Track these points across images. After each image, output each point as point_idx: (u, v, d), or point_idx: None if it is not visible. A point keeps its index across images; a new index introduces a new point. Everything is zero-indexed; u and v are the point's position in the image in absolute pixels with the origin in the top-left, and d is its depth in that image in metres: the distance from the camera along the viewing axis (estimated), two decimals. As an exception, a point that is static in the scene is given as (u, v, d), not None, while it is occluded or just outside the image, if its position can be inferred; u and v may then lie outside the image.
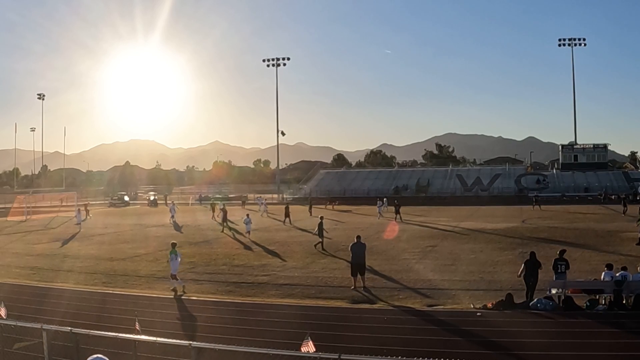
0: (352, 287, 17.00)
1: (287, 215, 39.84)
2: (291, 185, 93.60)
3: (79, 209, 42.83)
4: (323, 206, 56.30)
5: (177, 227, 38.75)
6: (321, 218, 26.99)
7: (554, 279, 14.88)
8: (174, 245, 18.05)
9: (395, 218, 40.34)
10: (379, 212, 43.79)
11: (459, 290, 16.44)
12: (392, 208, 43.97)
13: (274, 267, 21.45)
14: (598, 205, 55.12)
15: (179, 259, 17.68)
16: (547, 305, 13.81)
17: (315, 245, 25.59)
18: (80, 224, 39.31)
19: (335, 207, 57.97)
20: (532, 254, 15.35)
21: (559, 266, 15.08)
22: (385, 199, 48.20)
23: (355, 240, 18.08)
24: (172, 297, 16.53)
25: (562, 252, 15.61)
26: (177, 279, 17.36)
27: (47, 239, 32.75)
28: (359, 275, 17.22)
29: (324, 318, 13.98)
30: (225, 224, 35.35)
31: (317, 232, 25.93)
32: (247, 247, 27.23)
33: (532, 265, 14.93)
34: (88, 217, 48.29)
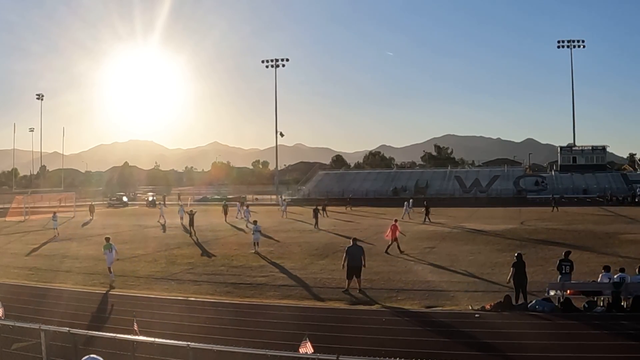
0: (344, 290, 16.81)
1: (316, 218, 38.27)
2: (290, 187, 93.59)
3: (54, 212, 37.52)
4: (343, 208, 56.16)
5: (186, 229, 37.07)
6: (395, 221, 25.54)
7: (558, 279, 14.90)
8: (107, 239, 19.17)
9: (425, 220, 40.14)
10: (407, 214, 43.49)
11: (458, 292, 16.45)
12: (418, 209, 44.17)
13: (272, 268, 21.44)
14: (602, 206, 54.93)
15: (114, 252, 18.97)
16: (546, 307, 13.82)
17: (386, 250, 24.06)
18: (56, 228, 34.93)
19: (351, 208, 57.70)
20: (519, 255, 15.33)
21: (564, 267, 15.10)
22: (411, 200, 47.91)
23: (352, 242, 17.93)
24: (105, 291, 17.35)
25: (568, 253, 15.62)
26: (110, 272, 18.63)
27: (46, 239, 32.69)
28: (354, 278, 17.04)
29: (323, 319, 13.98)
30: (192, 228, 34.09)
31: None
32: (245, 248, 27.17)
33: (521, 267, 14.93)
34: (91, 219, 48.46)
